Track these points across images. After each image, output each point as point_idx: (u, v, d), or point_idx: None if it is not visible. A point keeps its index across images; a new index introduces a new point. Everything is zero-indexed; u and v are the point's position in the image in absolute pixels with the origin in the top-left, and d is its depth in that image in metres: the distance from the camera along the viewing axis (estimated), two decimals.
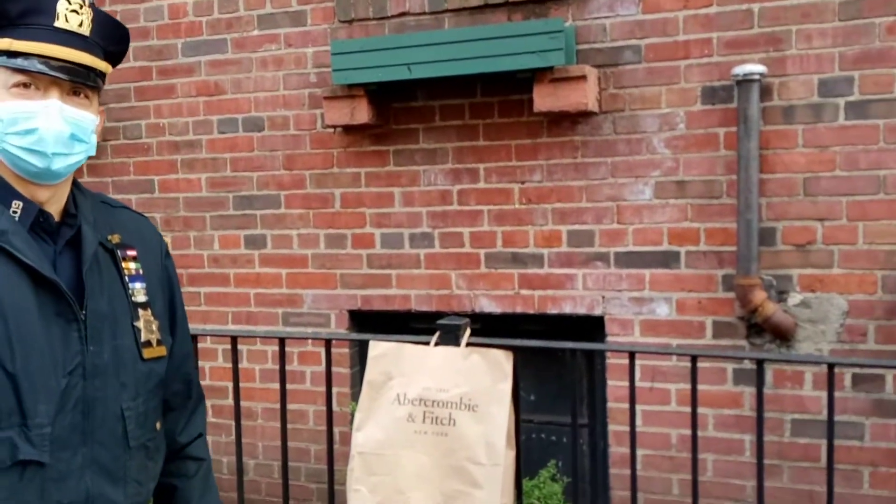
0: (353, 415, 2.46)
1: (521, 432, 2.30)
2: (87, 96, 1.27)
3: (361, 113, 3.42)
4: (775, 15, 3.02)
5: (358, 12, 3.55)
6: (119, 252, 1.35)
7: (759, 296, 3.02)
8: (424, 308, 3.53)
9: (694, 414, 2.23)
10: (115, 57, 1.33)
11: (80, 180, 1.41)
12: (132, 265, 1.37)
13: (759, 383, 2.16)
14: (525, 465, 3.32)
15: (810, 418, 3.05)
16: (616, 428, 3.29)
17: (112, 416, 1.27)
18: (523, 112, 3.35)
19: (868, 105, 2.93)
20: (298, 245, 3.73)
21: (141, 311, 1.35)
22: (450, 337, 2.32)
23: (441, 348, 2.32)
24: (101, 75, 1.29)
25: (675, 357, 3.18)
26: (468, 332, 2.35)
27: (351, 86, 3.40)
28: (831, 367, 2.12)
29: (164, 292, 1.44)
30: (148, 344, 1.34)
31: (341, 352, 3.64)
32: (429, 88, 3.48)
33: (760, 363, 2.18)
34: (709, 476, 3.16)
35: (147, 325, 1.35)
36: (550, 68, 3.12)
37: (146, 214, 1.71)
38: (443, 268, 3.51)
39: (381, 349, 2.31)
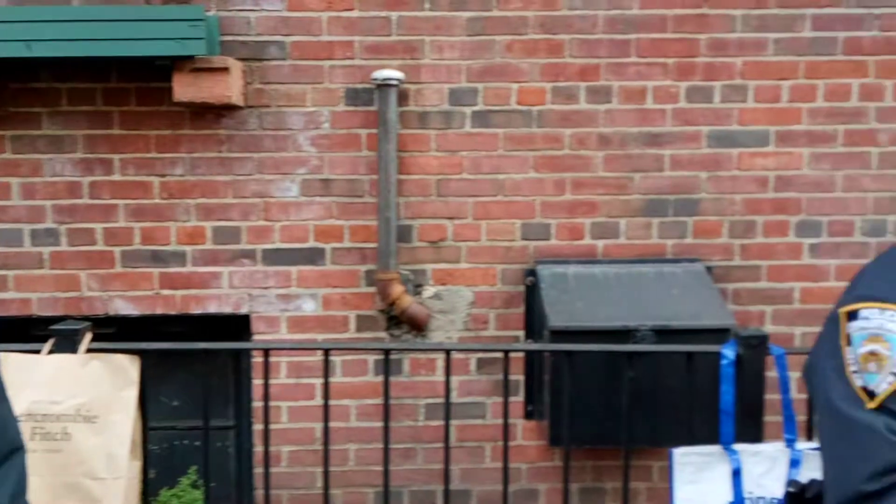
0: None
1: (158, 440, 2.17)
2: None
3: None
4: (411, 24, 3.20)
5: None
6: None
7: (396, 289, 3.19)
8: (49, 313, 3.19)
9: (326, 406, 2.27)
10: None
11: None
12: None
13: (386, 372, 2.28)
14: (169, 474, 3.14)
15: (442, 402, 3.28)
16: (260, 427, 3.26)
17: None
18: (163, 101, 3.17)
19: (490, 115, 3.23)
20: None
21: None
22: (66, 343, 2.11)
23: (56, 356, 2.10)
24: None
25: (318, 352, 3.23)
26: (89, 336, 2.16)
27: None
28: (448, 352, 2.30)
29: None
30: None
31: None
32: (54, 69, 3.14)
33: (387, 353, 2.30)
34: (351, 465, 3.27)
35: None
36: (191, 57, 2.99)
37: None
38: (71, 268, 3.20)
39: None
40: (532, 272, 3.25)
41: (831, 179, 3.28)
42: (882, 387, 1.07)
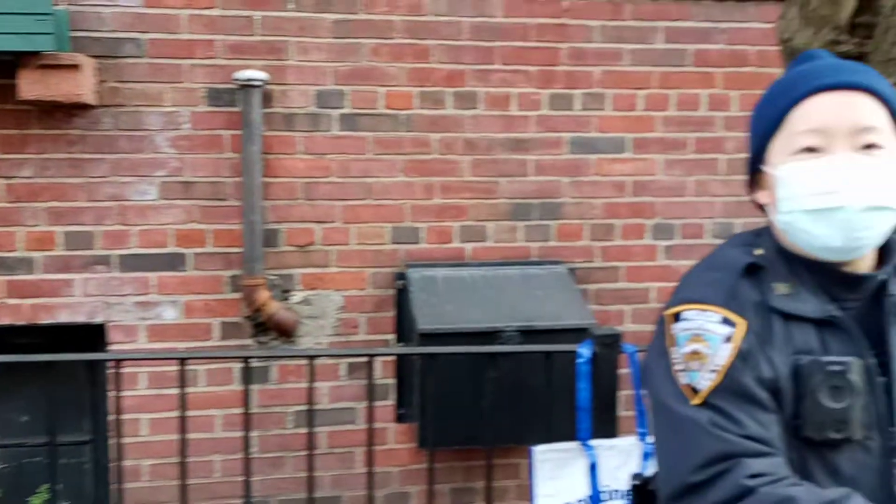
0: None
1: (7, 458, 2.03)
2: None
3: None
4: (275, 25, 3.15)
5: None
6: None
7: (263, 295, 3.12)
8: None
9: (183, 418, 2.20)
10: None
11: None
12: None
13: (246, 380, 2.23)
14: (20, 492, 2.97)
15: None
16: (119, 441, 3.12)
17: None
18: (8, 99, 2.97)
19: (358, 118, 3.22)
20: None
21: None
22: None
23: None
24: None
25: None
26: None
27: None
28: (311, 358, 2.27)
29: None
30: None
31: None
32: None
33: (246, 361, 2.24)
34: (217, 476, 3.17)
35: None
36: (38, 53, 2.83)
37: None
38: None
39: None
40: (402, 275, 3.26)
41: (683, 184, 3.46)
42: (703, 384, 1.13)
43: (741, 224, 3.51)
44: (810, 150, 1.14)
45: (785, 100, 1.17)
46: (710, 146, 3.46)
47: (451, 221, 3.31)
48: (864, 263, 1.20)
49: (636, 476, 1.39)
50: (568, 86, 3.33)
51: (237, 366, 3.17)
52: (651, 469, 2.17)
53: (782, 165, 1.16)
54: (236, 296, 3.18)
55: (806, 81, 1.16)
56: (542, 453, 2.27)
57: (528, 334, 3.04)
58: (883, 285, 1.19)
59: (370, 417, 2.40)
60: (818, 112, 1.14)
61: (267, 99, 3.14)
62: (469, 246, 3.34)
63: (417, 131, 3.24)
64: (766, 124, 1.20)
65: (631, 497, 1.38)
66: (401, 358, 3.27)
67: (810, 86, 1.15)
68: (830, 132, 1.13)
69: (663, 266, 3.47)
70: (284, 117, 3.17)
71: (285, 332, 3.20)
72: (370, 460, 2.44)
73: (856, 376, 1.13)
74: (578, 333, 2.97)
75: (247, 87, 3.07)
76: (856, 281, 1.18)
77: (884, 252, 1.21)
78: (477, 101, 3.28)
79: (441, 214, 3.30)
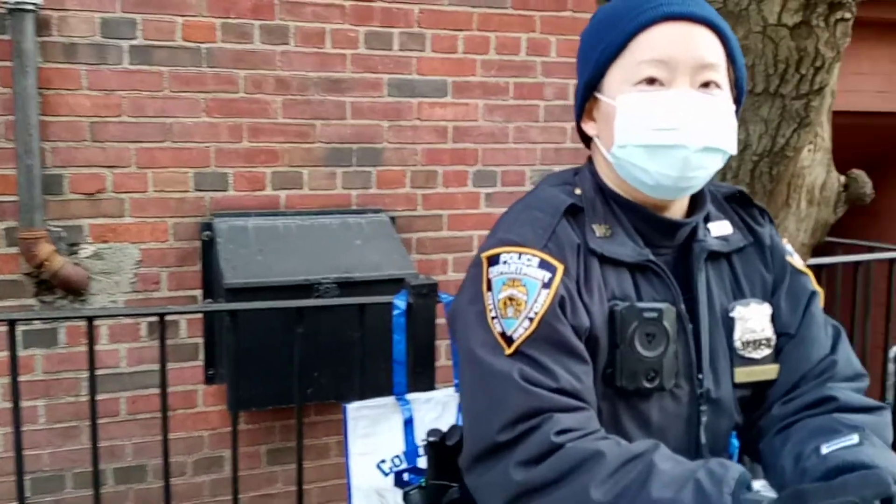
0: None
1: None
2: None
3: None
4: None
5: None
6: None
7: (45, 249, 2.77)
8: None
9: None
10: None
11: None
12: None
13: (12, 346, 1.93)
14: None
15: (109, 373, 2.95)
16: None
17: None
18: None
19: (152, 51, 2.89)
20: None
21: None
22: None
23: None
24: None
25: None
26: None
27: None
28: (90, 319, 2.01)
29: None
30: None
31: None
32: None
33: (12, 324, 1.95)
34: (0, 451, 2.83)
35: None
36: None
37: None
38: None
39: None
40: (209, 226, 3.00)
41: (504, 131, 3.41)
42: (518, 332, 1.03)
43: None
44: (651, 81, 1.06)
45: (630, 24, 1.07)
46: (529, 92, 3.43)
47: (262, 167, 3.08)
48: (678, 209, 1.16)
49: (432, 431, 1.28)
50: (385, 23, 3.16)
51: (20, 329, 2.80)
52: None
53: (622, 96, 1.08)
54: (13, 250, 2.80)
55: (653, 7, 1.07)
56: (356, 410, 2.14)
57: (347, 286, 2.90)
58: (693, 232, 1.16)
59: (162, 381, 2.18)
60: (664, 41, 1.06)
61: (42, 26, 2.74)
62: (283, 193, 3.13)
63: (221, 67, 2.97)
64: (606, 48, 1.09)
65: (427, 455, 1.28)
66: (209, 315, 3.02)
67: (658, 12, 1.07)
68: (674, 65, 1.06)
69: (486, 214, 3.42)
70: (64, 48, 2.79)
71: (74, 290, 2.86)
72: (164, 428, 2.21)
73: (669, 323, 1.09)
74: (399, 284, 2.87)
75: (17, 11, 2.67)
76: (672, 227, 1.14)
77: (695, 199, 1.18)
78: (288, 36, 3.03)
79: (251, 159, 3.06)
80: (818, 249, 2.24)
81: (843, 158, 2.12)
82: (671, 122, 1.05)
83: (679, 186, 1.09)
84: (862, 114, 4.42)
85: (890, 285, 2.95)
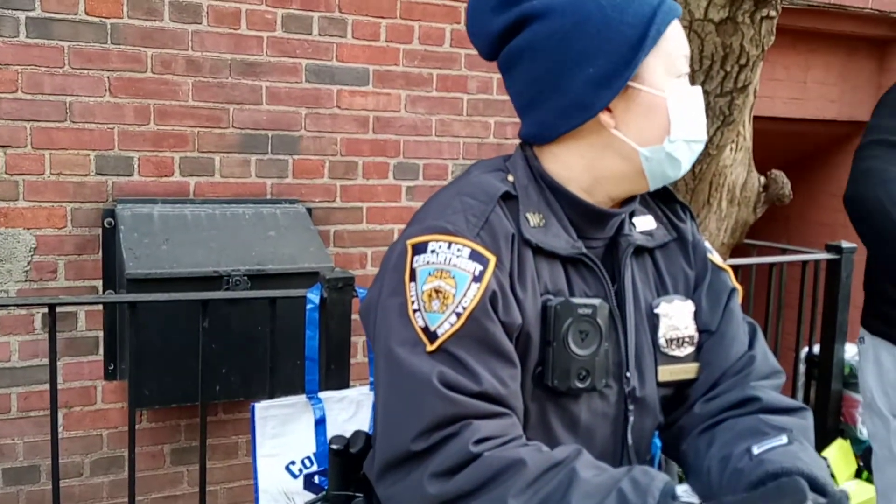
0: None
1: None
2: None
3: None
4: None
5: None
6: None
7: None
8: None
9: None
10: None
11: None
12: None
13: None
14: None
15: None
16: None
17: None
18: None
19: (51, 24, 2.70)
20: None
21: None
22: None
23: None
24: None
25: None
26: None
27: None
28: None
29: None
30: None
31: None
32: None
33: None
34: None
35: None
36: None
37: None
38: None
39: None
40: (111, 213, 2.83)
41: (426, 123, 3.34)
42: (444, 327, 0.95)
43: None
44: (682, 75, 1.08)
45: (660, 14, 1.03)
46: (453, 84, 3.36)
47: (170, 152, 2.92)
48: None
49: (335, 438, 1.20)
50: (304, 7, 3.04)
51: None
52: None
53: (673, 89, 1.04)
54: None
55: (667, 5, 1.05)
56: (264, 409, 2.04)
57: (259, 279, 2.77)
58: (620, 226, 1.12)
59: (52, 376, 2.02)
60: (681, 37, 1.08)
61: None
62: (193, 180, 2.98)
63: (127, 45, 2.79)
64: (641, 38, 1.01)
65: (330, 463, 1.19)
66: (111, 307, 2.85)
67: (677, 11, 1.08)
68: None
69: (406, 207, 3.34)
70: None
71: None
72: (53, 427, 2.06)
73: (602, 320, 1.03)
74: (314, 277, 2.76)
75: None
76: (604, 216, 1.08)
77: None
78: (200, 14, 2.88)
79: (158, 143, 2.89)
80: (733, 250, 2.25)
81: (756, 162, 2.13)
82: (702, 117, 1.09)
83: (674, 179, 1.10)
84: (775, 119, 4.54)
85: (802, 288, 3.01)
